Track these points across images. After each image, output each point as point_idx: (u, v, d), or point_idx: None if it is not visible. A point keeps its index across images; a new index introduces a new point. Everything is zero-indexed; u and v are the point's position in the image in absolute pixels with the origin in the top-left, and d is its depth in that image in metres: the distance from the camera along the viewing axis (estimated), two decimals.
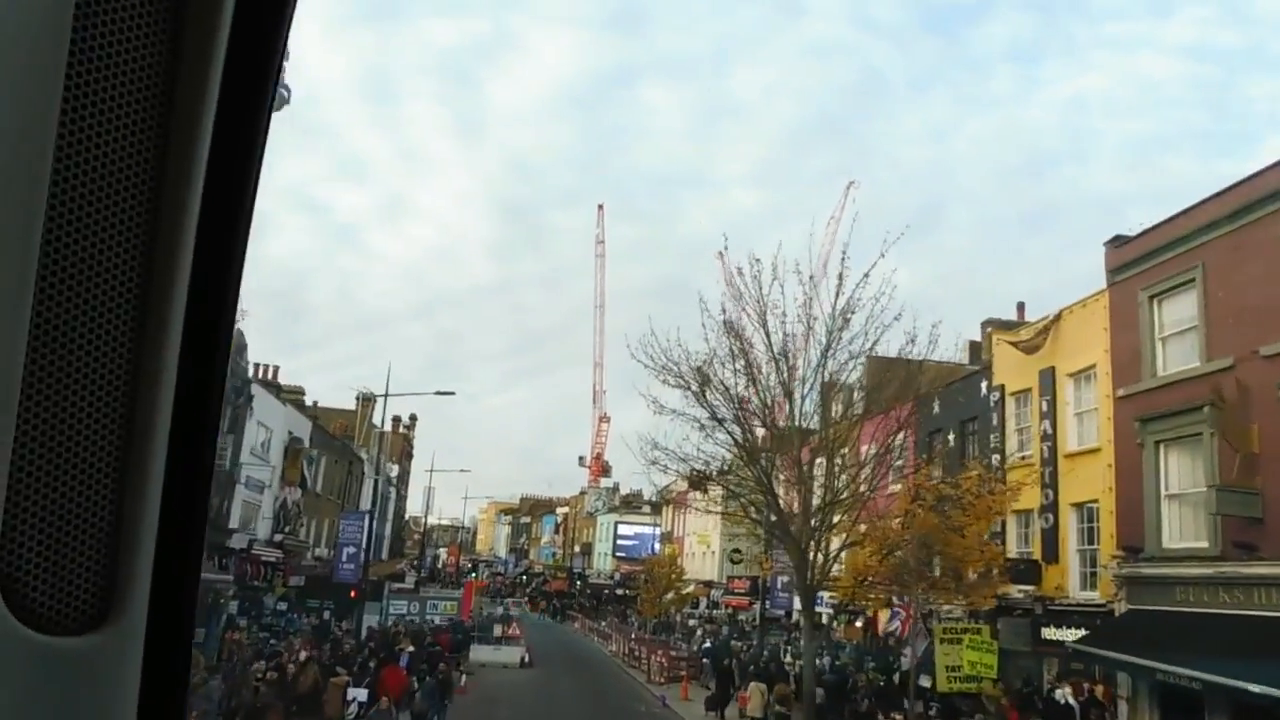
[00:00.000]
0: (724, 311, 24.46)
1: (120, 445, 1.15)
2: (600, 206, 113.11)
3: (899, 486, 25.97)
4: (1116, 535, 22.18)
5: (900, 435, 25.95)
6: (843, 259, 23.71)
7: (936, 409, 30.34)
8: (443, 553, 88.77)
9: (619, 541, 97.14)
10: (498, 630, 40.89)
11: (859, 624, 33.33)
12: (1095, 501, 23.37)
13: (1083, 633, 23.05)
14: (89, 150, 1.09)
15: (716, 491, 28.96)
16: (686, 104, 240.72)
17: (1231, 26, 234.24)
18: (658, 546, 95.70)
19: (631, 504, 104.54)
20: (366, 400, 68.86)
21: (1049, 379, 25.69)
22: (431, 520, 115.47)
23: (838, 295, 23.97)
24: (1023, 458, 26.02)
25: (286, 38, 1.30)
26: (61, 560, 1.11)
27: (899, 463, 26.41)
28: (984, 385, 28.80)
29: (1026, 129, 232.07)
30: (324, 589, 37.98)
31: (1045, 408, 25.63)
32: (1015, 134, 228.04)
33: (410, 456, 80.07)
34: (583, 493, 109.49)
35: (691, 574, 62.10)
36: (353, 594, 38.82)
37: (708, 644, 38.26)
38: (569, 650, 50.74)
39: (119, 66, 1.10)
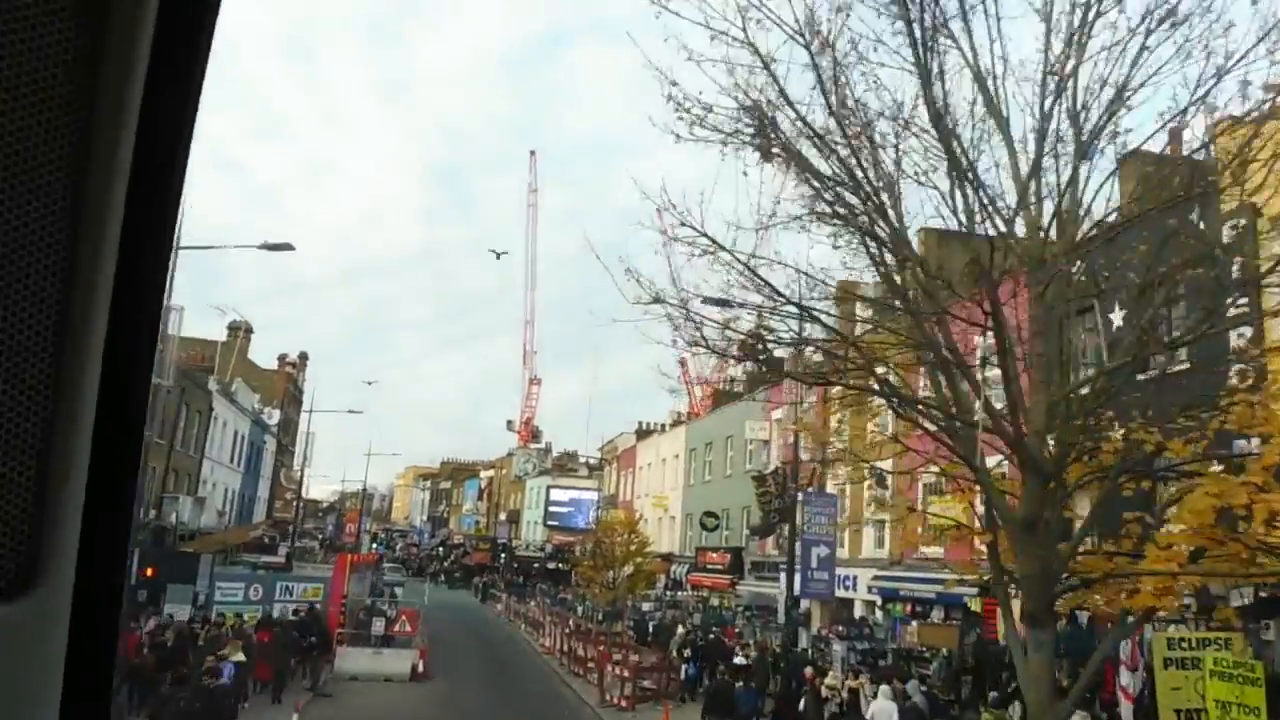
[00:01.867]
0: None
1: (45, 410, 1.12)
2: (532, 153, 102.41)
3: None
4: None
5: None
6: None
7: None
8: (357, 522, 74.81)
9: (551, 508, 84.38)
10: (379, 626, 27.85)
11: (940, 620, 21.27)
12: None
13: None
14: (5, 136, 1.06)
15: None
16: (619, 65, 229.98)
17: None
18: (594, 513, 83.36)
19: (565, 466, 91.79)
20: (235, 330, 54.78)
21: None
22: (332, 487, 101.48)
23: None
24: None
25: (213, 30, 1.25)
26: None
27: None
28: (1194, 214, 16.65)
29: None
30: None
31: None
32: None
33: (300, 403, 65.91)
34: (510, 454, 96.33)
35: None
36: (149, 572, 25.45)
37: (749, 667, 24.81)
38: (487, 646, 37.92)
39: (38, 60, 1.07)
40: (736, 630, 31.45)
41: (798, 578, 21.05)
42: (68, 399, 1.14)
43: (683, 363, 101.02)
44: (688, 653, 25.36)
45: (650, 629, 35.22)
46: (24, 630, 1.12)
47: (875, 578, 24.40)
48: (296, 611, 28.05)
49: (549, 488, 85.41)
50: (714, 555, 37.96)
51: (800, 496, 21.32)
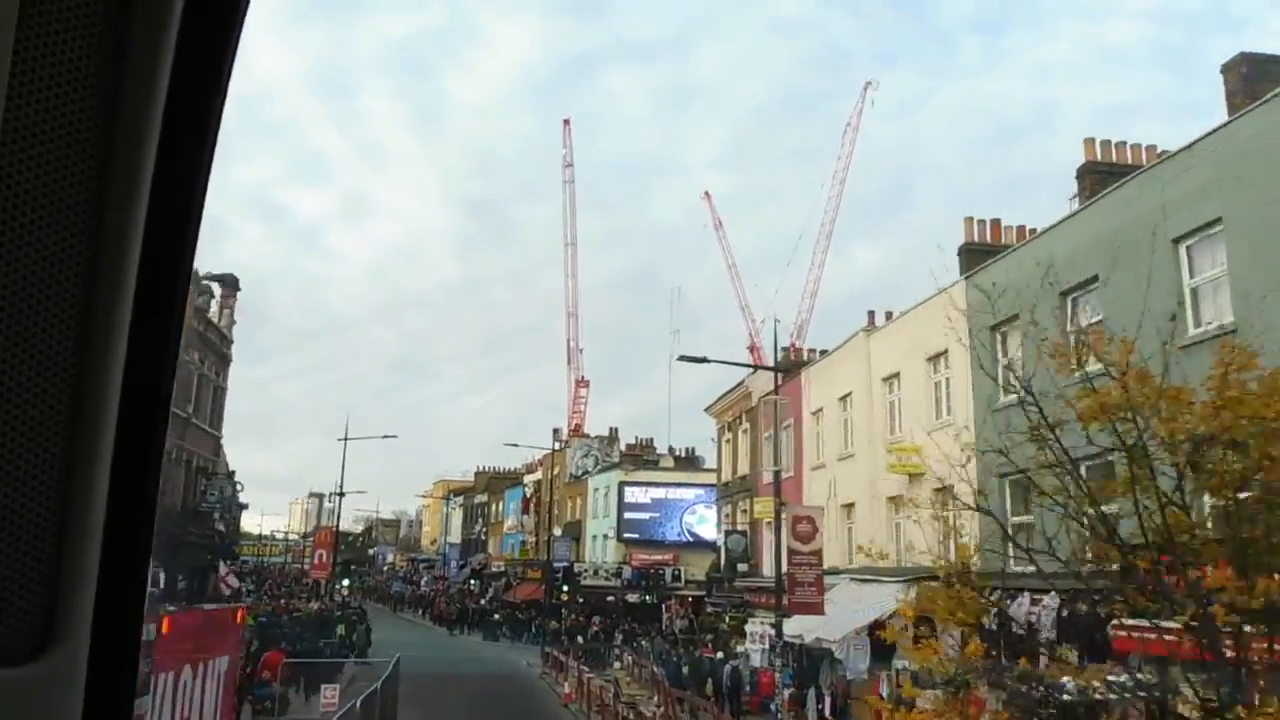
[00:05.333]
0: None
1: (63, 466, 1.12)
2: (566, 122, 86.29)
3: None
4: None
5: None
6: None
7: None
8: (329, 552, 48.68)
9: (626, 514, 58.53)
10: None
11: None
12: None
13: None
14: (30, 151, 1.06)
15: None
16: (651, 88, 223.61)
17: None
18: (700, 522, 56.84)
19: (641, 458, 65.86)
20: None
21: None
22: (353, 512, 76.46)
23: None
24: None
25: (238, 40, 1.26)
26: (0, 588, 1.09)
27: None
28: None
29: (994, 100, 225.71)
30: None
31: None
32: (983, 106, 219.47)
33: (224, 357, 40.71)
34: (563, 448, 70.39)
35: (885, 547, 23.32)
36: None
37: None
38: None
39: (62, 67, 1.08)
40: None
41: None
42: (86, 446, 1.12)
43: (753, 349, 74.61)
44: None
45: None
46: (40, 695, 1.10)
47: None
48: None
49: (621, 484, 59.50)
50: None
51: None
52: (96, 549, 1.15)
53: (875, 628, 19.45)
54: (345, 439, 42.34)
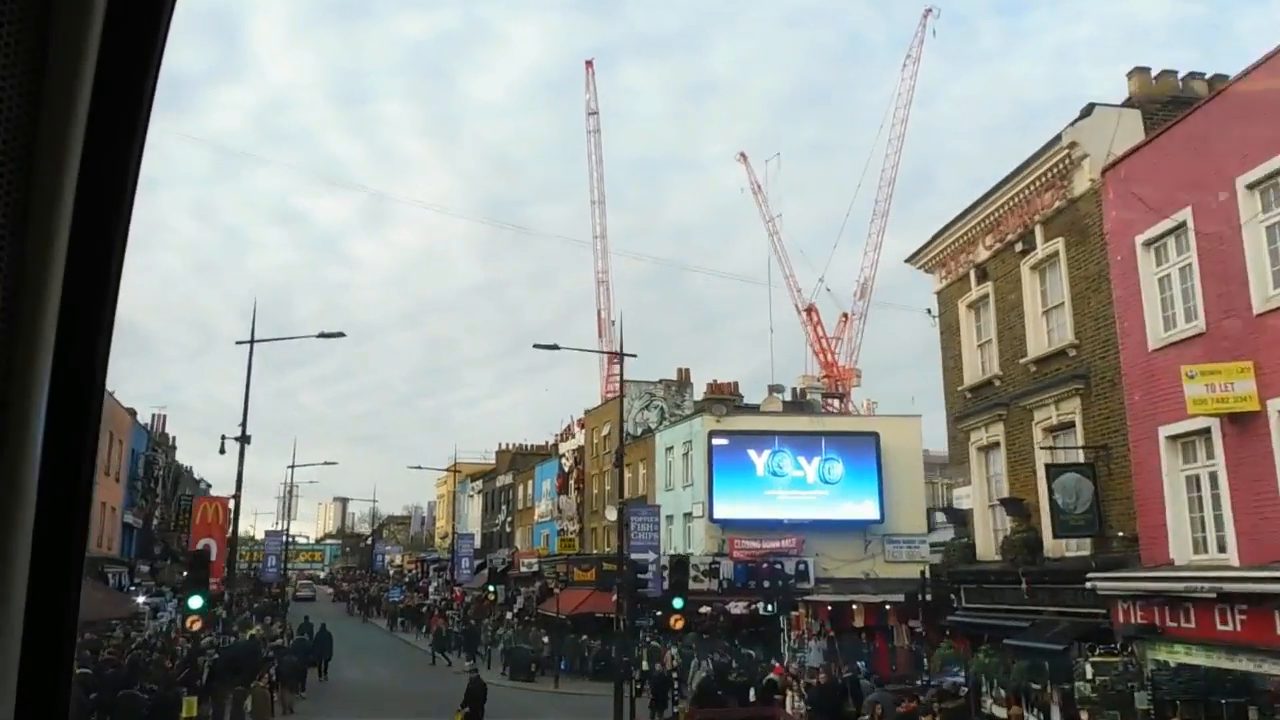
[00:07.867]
0: None
1: None
2: (588, 63, 71.50)
3: None
4: None
5: None
6: None
7: None
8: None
9: (721, 484, 38.11)
10: None
11: None
12: None
13: None
14: None
15: None
16: (667, 84, 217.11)
17: None
18: (841, 488, 36.35)
19: (733, 400, 45.45)
20: None
21: None
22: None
23: None
24: None
25: (162, 47, 1.23)
26: None
27: None
28: None
29: (1015, 84, 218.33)
30: None
31: None
32: (1004, 91, 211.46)
33: None
34: (612, 400, 49.92)
35: None
36: None
37: None
38: None
39: None
40: None
41: None
42: (5, 503, 1.07)
43: (810, 310, 55.67)
44: None
45: None
46: None
47: None
48: None
49: (711, 436, 39.11)
50: None
51: None
52: (25, 563, 1.08)
53: None
54: (251, 341, 22.83)
